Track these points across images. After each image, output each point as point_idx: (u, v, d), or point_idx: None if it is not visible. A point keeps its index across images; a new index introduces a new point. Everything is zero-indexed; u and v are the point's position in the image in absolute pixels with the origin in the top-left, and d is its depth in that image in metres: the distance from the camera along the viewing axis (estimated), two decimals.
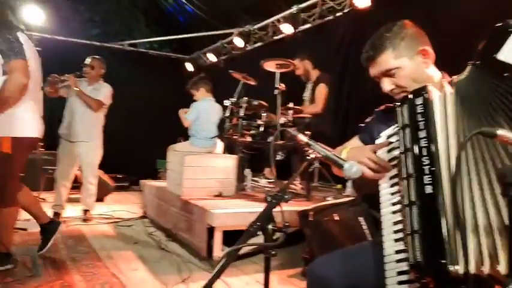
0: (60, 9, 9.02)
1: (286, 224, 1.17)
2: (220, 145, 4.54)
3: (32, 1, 6.83)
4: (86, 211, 4.50)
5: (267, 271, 1.24)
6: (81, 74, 4.30)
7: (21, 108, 2.58)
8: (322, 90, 4.32)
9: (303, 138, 1.25)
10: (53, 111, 5.39)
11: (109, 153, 4.64)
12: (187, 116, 4.08)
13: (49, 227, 3.10)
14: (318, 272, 1.37)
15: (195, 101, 4.39)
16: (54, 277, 2.66)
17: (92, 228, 4.17)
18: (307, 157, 1.26)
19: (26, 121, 2.63)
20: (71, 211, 5.05)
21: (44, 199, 5.79)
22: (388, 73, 1.37)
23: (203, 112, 4.03)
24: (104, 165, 4.76)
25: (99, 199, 5.05)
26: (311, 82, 4.55)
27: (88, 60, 4.34)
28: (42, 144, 7.13)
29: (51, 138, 6.83)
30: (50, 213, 4.31)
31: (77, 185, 6.28)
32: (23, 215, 4.63)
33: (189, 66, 7.95)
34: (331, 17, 5.13)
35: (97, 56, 4.44)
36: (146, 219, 4.55)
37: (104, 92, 4.33)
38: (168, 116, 7.28)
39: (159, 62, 8.17)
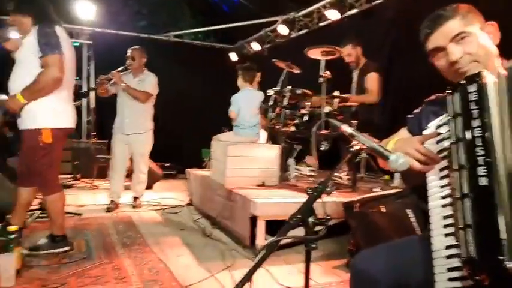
0: (111, 3, 9.38)
1: (328, 217, 1.14)
2: (263, 135, 4.53)
3: None
4: (135, 198, 4.67)
5: (307, 263, 1.22)
6: (125, 67, 4.39)
7: (57, 101, 2.72)
8: (374, 79, 4.10)
9: (346, 129, 1.20)
10: (104, 104, 5.64)
11: (157, 143, 4.78)
12: (230, 111, 4.09)
13: (57, 241, 2.92)
14: (362, 266, 1.33)
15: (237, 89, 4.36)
16: (106, 260, 2.80)
17: (140, 214, 4.35)
18: (351, 148, 1.21)
19: (63, 113, 2.78)
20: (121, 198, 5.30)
21: (97, 186, 6.12)
22: (457, 38, 1.25)
23: (243, 103, 4.01)
24: (152, 154, 4.94)
25: (148, 187, 5.24)
26: (357, 70, 4.38)
27: (129, 52, 4.41)
28: (94, 134, 7.54)
29: (103, 128, 7.25)
30: (107, 200, 4.57)
31: (127, 173, 6.62)
32: (77, 200, 4.96)
33: (233, 56, 7.98)
34: (379, 1, 4.90)
35: (137, 46, 4.49)
36: (192, 206, 4.67)
37: (150, 82, 4.42)
38: (213, 105, 7.39)
39: (204, 52, 8.26)
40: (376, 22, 5.00)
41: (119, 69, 4.37)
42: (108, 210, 4.39)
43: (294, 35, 6.23)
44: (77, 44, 7.97)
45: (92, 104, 7.59)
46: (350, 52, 4.27)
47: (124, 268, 2.65)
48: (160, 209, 4.61)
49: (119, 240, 3.30)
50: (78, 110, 6.84)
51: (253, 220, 3.02)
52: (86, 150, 6.83)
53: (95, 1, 7.37)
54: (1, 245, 2.33)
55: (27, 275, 2.46)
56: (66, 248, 2.91)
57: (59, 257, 2.82)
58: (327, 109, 3.63)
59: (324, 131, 3.57)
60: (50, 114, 2.68)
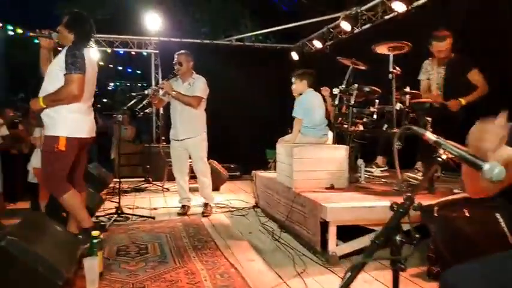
0: (174, 12, 9.78)
1: (417, 235, 1.04)
2: (330, 135, 4.40)
3: (152, 9, 7.50)
4: (206, 204, 4.64)
5: (395, 285, 1.12)
6: (173, 73, 4.41)
7: (76, 113, 2.96)
8: (479, 73, 3.70)
9: (431, 136, 1.09)
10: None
11: (221, 144, 4.85)
12: (294, 115, 3.96)
13: (87, 232, 2.98)
14: (454, 281, 1.20)
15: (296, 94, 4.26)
16: (179, 264, 2.87)
17: (209, 217, 4.43)
18: (438, 158, 1.10)
19: (79, 123, 3.00)
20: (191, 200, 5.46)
21: (167, 189, 6.37)
22: None
23: (309, 104, 3.91)
24: (217, 156, 5.03)
25: (215, 188, 5.33)
26: (443, 65, 3.96)
27: (175, 58, 4.41)
28: (163, 138, 7.88)
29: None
30: (178, 204, 4.70)
31: (193, 174, 6.81)
32: (151, 203, 5.19)
33: (294, 55, 7.89)
34: None
35: (182, 51, 4.47)
36: (258, 208, 4.67)
37: (199, 86, 4.38)
38: (276, 105, 7.40)
39: (265, 53, 8.28)
40: (448, 12, 4.60)
41: (168, 77, 4.43)
42: (179, 214, 4.52)
43: (357, 30, 5.99)
44: (145, 54, 8.41)
45: (161, 110, 7.93)
46: (447, 47, 3.82)
47: (197, 272, 2.69)
48: (228, 211, 4.67)
49: (191, 244, 3.38)
50: (149, 116, 7.18)
51: (324, 225, 2.93)
52: (156, 154, 7.15)
53: (161, 12, 7.73)
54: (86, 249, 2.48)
55: (108, 278, 2.59)
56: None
57: (135, 260, 2.94)
58: (398, 106, 3.43)
59: (396, 129, 3.37)
60: (67, 124, 2.92)
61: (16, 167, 3.97)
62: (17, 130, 5.20)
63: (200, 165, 4.52)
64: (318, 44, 7.13)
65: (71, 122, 2.94)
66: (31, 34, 3.16)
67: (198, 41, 8.26)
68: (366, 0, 5.63)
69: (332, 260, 2.85)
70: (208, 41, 8.24)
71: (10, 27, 13.18)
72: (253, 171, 4.98)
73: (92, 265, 2.41)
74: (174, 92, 4.27)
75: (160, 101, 4.53)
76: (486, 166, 0.98)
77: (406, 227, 1.13)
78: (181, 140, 4.44)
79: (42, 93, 2.96)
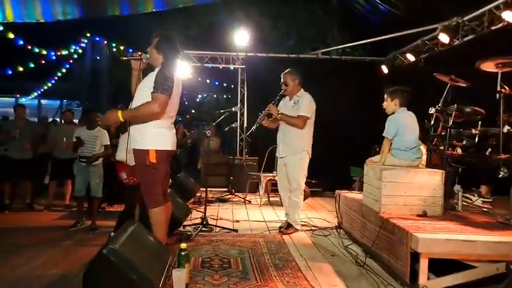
0: (262, 27, 10.00)
1: None
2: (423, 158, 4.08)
3: (241, 25, 7.79)
4: (289, 225, 4.48)
5: None
6: (280, 95, 4.50)
7: (162, 127, 3.09)
8: None
9: None
10: None
11: None
12: (385, 135, 3.73)
13: None
14: None
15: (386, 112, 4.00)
16: (261, 282, 2.88)
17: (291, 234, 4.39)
18: None
19: (166, 137, 3.13)
20: (271, 215, 5.48)
21: (249, 201, 6.48)
22: None
23: (402, 124, 3.64)
24: None
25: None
26: None
27: (282, 78, 4.46)
28: (246, 151, 8.06)
29: (254, 146, 7.73)
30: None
31: (276, 188, 6.83)
32: (234, 215, 5.31)
33: (385, 69, 7.56)
34: None
35: (287, 70, 4.50)
36: (341, 230, 4.51)
37: (303, 105, 4.37)
38: (364, 121, 7.11)
39: (352, 66, 8.05)
40: None
41: (274, 101, 4.48)
42: (280, 228, 4.56)
43: (457, 42, 5.53)
44: (232, 69, 8.71)
45: (245, 124, 8.15)
46: None
47: None
48: (310, 230, 4.58)
49: (272, 262, 3.37)
50: (234, 129, 7.39)
51: (414, 255, 2.72)
52: (240, 166, 7.33)
53: (249, 28, 7.97)
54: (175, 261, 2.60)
55: None
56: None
57: (218, 275, 3.01)
58: (505, 129, 3.07)
59: (503, 155, 3.03)
60: (156, 138, 3.06)
61: (112, 172, 4.37)
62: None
63: (293, 184, 4.46)
64: (411, 57, 6.75)
65: (158, 136, 3.09)
66: (123, 59, 3.39)
67: (284, 55, 8.33)
68: (469, 9, 5.15)
69: None
70: (294, 55, 8.26)
71: (113, 45, 14.65)
72: (337, 191, 4.83)
73: (180, 277, 2.52)
74: (279, 115, 4.37)
75: (272, 122, 4.61)
76: None
77: None
78: (282, 157, 4.54)
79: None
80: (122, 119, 3.03)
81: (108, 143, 4.90)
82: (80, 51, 14.91)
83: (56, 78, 15.86)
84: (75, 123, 7.59)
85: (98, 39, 15.08)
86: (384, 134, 3.73)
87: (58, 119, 12.10)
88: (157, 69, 3.12)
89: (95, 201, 4.74)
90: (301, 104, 4.38)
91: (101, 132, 4.89)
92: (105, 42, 14.93)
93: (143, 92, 3.09)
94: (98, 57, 15.72)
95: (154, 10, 10.81)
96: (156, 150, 3.06)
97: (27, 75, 14.02)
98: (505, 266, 0.97)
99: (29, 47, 12.44)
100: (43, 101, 19.57)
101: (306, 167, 4.47)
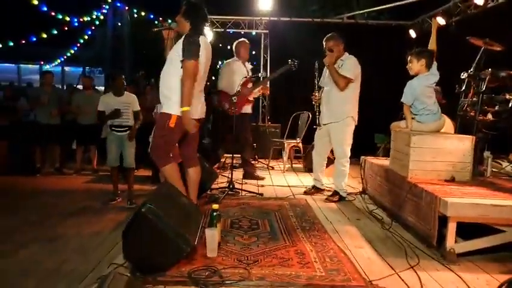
0: None
1: None
2: (449, 122, 4.02)
3: None
4: (335, 192, 4.44)
5: None
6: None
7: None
8: None
9: None
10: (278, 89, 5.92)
11: None
12: (404, 101, 3.65)
13: None
14: None
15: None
16: (289, 243, 2.97)
17: (315, 198, 4.46)
18: None
19: (191, 105, 3.22)
20: (295, 180, 5.56)
21: (272, 167, 6.57)
22: None
23: (420, 91, 3.55)
24: None
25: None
26: None
27: (324, 45, 4.28)
28: (269, 118, 8.06)
29: (276, 113, 7.73)
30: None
31: (298, 155, 6.88)
32: (258, 180, 5.41)
33: (412, 33, 7.32)
34: None
35: (330, 35, 4.30)
36: (366, 195, 4.56)
37: (347, 67, 4.23)
38: (390, 88, 6.96)
39: (378, 31, 7.80)
40: None
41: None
42: (305, 192, 4.67)
43: (491, 4, 5.29)
44: (254, 35, 8.58)
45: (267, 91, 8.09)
46: None
47: (307, 253, 2.76)
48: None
49: (299, 224, 3.46)
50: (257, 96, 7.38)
51: (442, 219, 2.75)
52: (263, 133, 7.37)
53: None
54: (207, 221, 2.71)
55: (225, 248, 2.80)
56: None
57: (248, 234, 3.12)
58: None
59: None
60: (177, 104, 3.20)
61: (136, 137, 4.42)
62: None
63: (338, 151, 4.37)
64: (441, 21, 6.47)
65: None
66: (154, 30, 3.61)
67: (308, 19, 8.14)
68: None
69: (449, 256, 2.69)
70: (318, 20, 8.06)
71: (135, 10, 14.59)
72: (362, 157, 4.84)
73: (213, 235, 2.63)
74: (328, 65, 4.21)
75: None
76: None
77: None
78: (325, 124, 4.42)
79: (162, 76, 3.34)
80: (188, 109, 3.17)
81: (139, 108, 4.62)
82: (102, 17, 14.92)
83: (79, 44, 16.01)
84: (96, 89, 7.72)
85: (119, 5, 15.02)
86: (402, 100, 3.67)
87: (81, 86, 12.34)
88: (184, 35, 3.22)
89: (131, 172, 4.41)
90: (345, 66, 4.24)
91: (131, 98, 4.51)
92: (127, 8, 14.87)
93: (171, 60, 3.26)
94: (120, 23, 15.71)
95: None
96: (178, 116, 3.21)
97: (51, 42, 14.21)
98: None
99: (53, 14, 12.52)
100: (66, 68, 19.87)
101: (351, 134, 4.35)
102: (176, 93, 3.21)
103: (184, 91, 3.14)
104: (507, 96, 3.22)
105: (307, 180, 5.48)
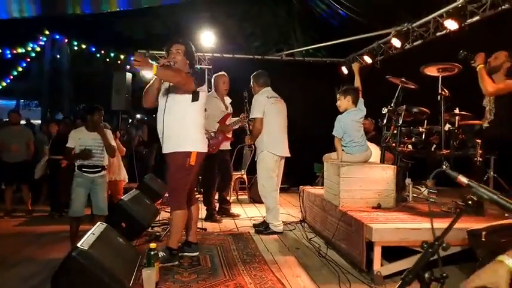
0: (228, 28, 10.14)
1: (444, 274, 1.12)
2: (376, 153, 4.38)
3: (206, 27, 7.89)
4: (263, 222, 4.61)
5: None
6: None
7: (200, 131, 3.27)
8: None
9: (463, 180, 1.17)
10: None
11: None
12: (335, 134, 3.96)
13: (173, 254, 3.29)
14: None
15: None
16: (229, 277, 3.04)
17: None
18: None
19: (201, 140, 3.32)
20: (239, 211, 5.65)
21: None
22: None
23: (349, 125, 3.89)
24: None
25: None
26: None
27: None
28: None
29: None
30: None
31: (243, 186, 7.01)
32: (202, 214, 5.42)
33: (345, 70, 7.90)
34: (506, 6, 4.32)
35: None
36: (306, 224, 4.75)
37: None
38: (326, 120, 7.39)
39: (315, 67, 8.35)
40: (502, 31, 4.42)
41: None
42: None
43: (408, 46, 5.92)
44: (198, 69, 8.77)
45: None
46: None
47: (246, 286, 2.85)
48: None
49: (240, 257, 3.54)
50: None
51: (369, 244, 2.98)
52: (207, 166, 7.42)
53: (215, 28, 8.09)
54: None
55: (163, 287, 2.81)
56: (176, 263, 3.26)
57: (187, 272, 3.15)
58: (446, 127, 3.40)
59: (444, 151, 3.35)
60: (196, 140, 3.24)
61: None
62: None
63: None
64: (368, 59, 7.11)
65: (198, 138, 3.28)
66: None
67: (250, 56, 8.50)
68: (418, 16, 5.54)
69: (377, 279, 2.90)
70: (259, 57, 8.45)
71: (75, 43, 14.29)
72: (301, 187, 5.08)
73: (150, 275, 2.64)
74: None
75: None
76: None
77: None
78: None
79: (168, 117, 3.23)
80: (155, 73, 2.98)
81: (114, 143, 4.19)
82: (38, 49, 14.41)
83: (12, 77, 15.22)
84: (29, 124, 7.37)
85: (57, 37, 14.63)
86: (333, 133, 3.95)
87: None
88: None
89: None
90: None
91: (106, 133, 4.07)
92: (66, 40, 14.52)
93: (173, 98, 3.24)
94: (58, 56, 15.25)
95: (118, 9, 10.69)
96: (197, 152, 3.19)
97: None
98: (420, 245, 1.20)
99: None
100: None
101: (268, 168, 4.53)
102: (190, 128, 3.20)
103: (180, 74, 3.07)
104: (420, 129, 3.61)
105: (252, 212, 5.60)
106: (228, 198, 5.58)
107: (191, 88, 3.16)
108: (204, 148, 3.31)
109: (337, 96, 4.02)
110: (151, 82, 3.36)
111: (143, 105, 3.40)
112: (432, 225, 1.24)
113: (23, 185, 5.91)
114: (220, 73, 5.51)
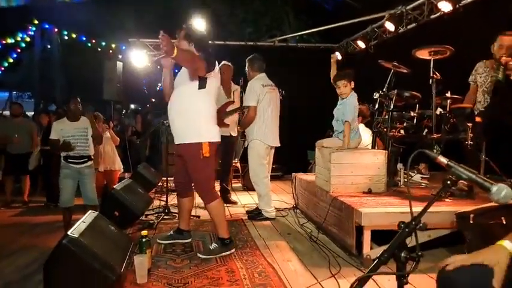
0: (220, 14, 10.03)
1: (420, 253, 1.13)
2: (367, 134, 4.39)
3: (197, 14, 7.79)
4: (256, 209, 4.63)
5: None
6: None
7: (210, 120, 3.19)
8: None
9: (442, 160, 1.17)
10: None
11: None
12: (347, 119, 3.77)
13: (226, 243, 3.28)
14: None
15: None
16: (221, 262, 3.06)
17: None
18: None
19: (214, 129, 3.23)
20: (233, 198, 5.66)
21: None
22: None
23: (356, 108, 3.85)
24: None
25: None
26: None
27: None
28: None
29: None
30: None
31: (237, 174, 7.02)
32: (196, 201, 5.43)
33: (338, 55, 7.84)
34: None
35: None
36: (298, 210, 4.78)
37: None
38: (320, 106, 7.38)
39: (308, 53, 8.29)
40: (497, 12, 4.39)
41: None
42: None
43: (401, 30, 5.87)
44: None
45: None
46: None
47: (237, 271, 2.87)
48: None
49: None
50: None
51: (359, 229, 3.00)
52: None
53: (207, 15, 7.98)
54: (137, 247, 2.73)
55: (156, 273, 2.82)
56: (232, 251, 3.25)
57: (178, 258, 3.16)
58: (438, 111, 3.40)
59: (435, 135, 3.35)
60: (207, 131, 3.16)
61: None
62: None
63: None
64: (361, 44, 7.06)
65: (208, 128, 3.18)
66: (154, 59, 3.38)
67: (242, 42, 8.43)
68: None
69: (366, 262, 2.92)
70: (251, 43, 8.37)
71: (65, 33, 14.09)
72: (293, 174, 5.09)
73: (141, 262, 2.65)
74: None
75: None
76: (493, 189, 1.05)
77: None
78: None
79: (178, 108, 3.17)
80: (175, 56, 2.77)
81: (100, 130, 4.17)
82: (28, 39, 14.20)
83: (3, 68, 15.06)
84: (26, 116, 7.36)
85: (47, 26, 14.40)
86: (346, 119, 3.79)
87: (8, 112, 11.65)
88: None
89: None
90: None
91: (87, 122, 4.07)
92: (56, 30, 14.31)
93: (180, 89, 3.17)
94: (49, 46, 15.04)
95: None
96: (209, 142, 3.11)
97: None
98: (397, 225, 1.21)
99: None
100: None
101: (258, 156, 4.54)
102: (198, 119, 3.11)
103: (194, 58, 3.00)
104: (412, 114, 3.60)
105: (246, 199, 5.62)
106: (228, 187, 5.61)
107: (201, 73, 3.05)
108: (216, 137, 3.21)
109: (339, 82, 3.91)
110: (163, 77, 3.31)
111: (166, 101, 3.31)
112: (411, 206, 1.26)
113: (23, 176, 5.91)
114: (222, 62, 5.34)
